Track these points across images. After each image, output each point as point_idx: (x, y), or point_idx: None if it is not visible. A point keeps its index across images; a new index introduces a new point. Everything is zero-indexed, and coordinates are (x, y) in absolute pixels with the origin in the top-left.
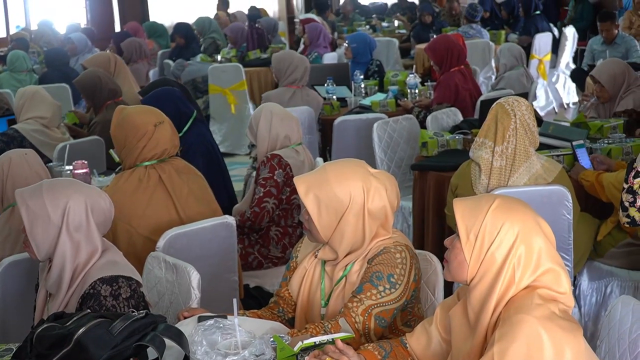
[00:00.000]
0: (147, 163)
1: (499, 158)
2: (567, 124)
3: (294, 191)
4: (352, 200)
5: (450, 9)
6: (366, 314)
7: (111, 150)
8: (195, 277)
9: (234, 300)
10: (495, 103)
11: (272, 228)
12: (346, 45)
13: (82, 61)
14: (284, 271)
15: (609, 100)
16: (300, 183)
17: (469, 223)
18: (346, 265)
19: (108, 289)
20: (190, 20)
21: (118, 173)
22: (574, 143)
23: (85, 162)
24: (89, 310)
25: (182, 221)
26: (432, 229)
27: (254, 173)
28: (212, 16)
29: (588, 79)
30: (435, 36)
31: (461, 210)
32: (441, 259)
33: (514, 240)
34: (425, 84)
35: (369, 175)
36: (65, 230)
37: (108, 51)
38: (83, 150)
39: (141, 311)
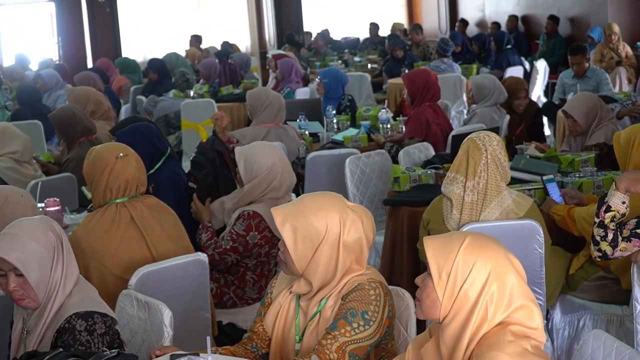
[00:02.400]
0: (118, 200)
1: (471, 193)
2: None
3: (273, 246)
4: (328, 230)
5: (411, 38)
6: (340, 351)
7: (83, 188)
8: (167, 315)
9: (208, 338)
10: (466, 138)
11: (249, 273)
12: (318, 80)
13: (55, 97)
14: (258, 307)
15: (581, 134)
16: (278, 213)
17: (440, 262)
18: (320, 301)
19: (83, 324)
20: (162, 56)
21: (90, 211)
22: (544, 178)
23: (57, 199)
24: (61, 349)
25: (154, 259)
26: (406, 264)
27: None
28: (183, 51)
29: (559, 113)
30: (407, 70)
31: (432, 249)
32: (414, 293)
33: (486, 278)
34: (397, 118)
35: (346, 208)
36: (55, 266)
37: None
38: (55, 188)
39: (113, 350)
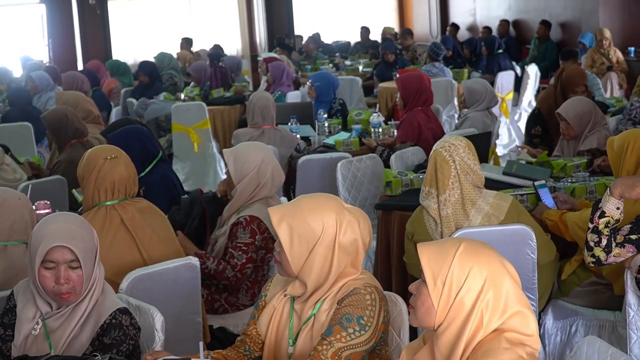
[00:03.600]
0: (108, 203)
1: (444, 207)
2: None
3: (269, 250)
4: (324, 231)
5: (402, 44)
6: (336, 357)
7: (74, 190)
8: (159, 319)
9: (200, 343)
10: (433, 150)
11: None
12: (309, 84)
13: (45, 99)
14: (252, 310)
15: (574, 138)
16: (274, 213)
17: (435, 269)
18: (315, 304)
19: (127, 319)
20: (154, 56)
21: (81, 214)
22: (535, 183)
23: (48, 202)
24: (51, 354)
25: (145, 262)
26: (397, 268)
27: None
28: (174, 54)
29: None
30: (398, 75)
31: (427, 256)
32: (405, 296)
33: (482, 285)
34: (389, 122)
35: (343, 209)
36: (97, 261)
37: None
38: (45, 191)
39: (104, 355)
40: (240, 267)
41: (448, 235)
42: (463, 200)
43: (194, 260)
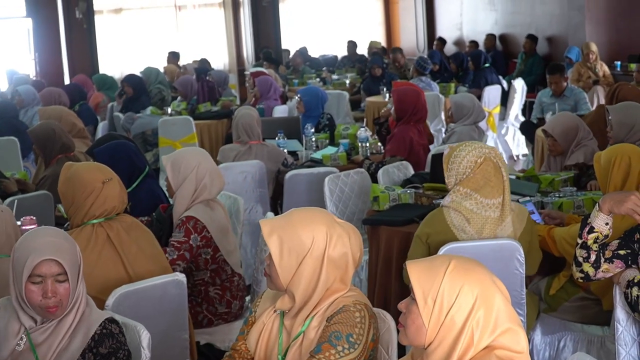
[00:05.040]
0: (95, 221)
1: (490, 209)
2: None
3: (217, 249)
4: (314, 243)
5: (394, 61)
6: None
7: (59, 205)
8: (145, 337)
9: None
10: (477, 157)
11: (211, 289)
12: (298, 98)
13: (31, 113)
14: (241, 325)
15: (561, 154)
16: (265, 225)
17: (425, 287)
18: (305, 320)
19: (117, 328)
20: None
21: (67, 230)
22: (520, 200)
23: (34, 217)
24: None
25: (130, 279)
26: (382, 284)
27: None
28: (161, 68)
29: (538, 131)
30: (385, 89)
31: (416, 274)
32: (391, 312)
33: (473, 303)
34: (374, 137)
35: (334, 223)
36: (81, 274)
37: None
38: (31, 206)
39: None
40: (170, 262)
41: (489, 236)
42: (503, 206)
43: (181, 277)
